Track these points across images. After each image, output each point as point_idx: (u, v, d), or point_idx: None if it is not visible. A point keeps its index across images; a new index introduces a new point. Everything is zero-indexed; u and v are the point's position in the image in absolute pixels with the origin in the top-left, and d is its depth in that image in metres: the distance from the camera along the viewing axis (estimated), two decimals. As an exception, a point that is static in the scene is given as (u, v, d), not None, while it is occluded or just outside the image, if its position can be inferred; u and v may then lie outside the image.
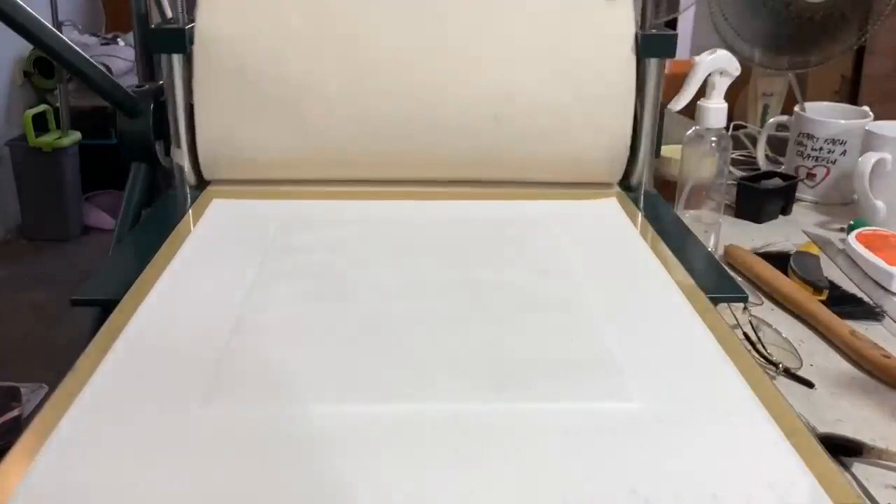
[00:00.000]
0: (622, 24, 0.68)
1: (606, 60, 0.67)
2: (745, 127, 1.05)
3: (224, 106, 0.66)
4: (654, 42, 0.67)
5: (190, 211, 0.64)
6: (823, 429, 0.46)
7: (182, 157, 0.68)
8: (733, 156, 0.95)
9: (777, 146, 0.97)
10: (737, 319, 0.56)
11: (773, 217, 0.81)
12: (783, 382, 0.51)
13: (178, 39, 0.65)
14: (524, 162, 0.69)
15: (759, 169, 0.91)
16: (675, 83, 0.71)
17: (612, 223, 0.63)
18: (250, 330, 0.46)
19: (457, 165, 0.69)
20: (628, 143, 0.68)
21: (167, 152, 0.70)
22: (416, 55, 0.66)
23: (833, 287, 0.64)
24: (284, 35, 0.66)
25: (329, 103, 0.66)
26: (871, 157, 0.75)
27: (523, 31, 0.67)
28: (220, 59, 0.65)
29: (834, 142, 0.83)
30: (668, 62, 0.71)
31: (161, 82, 0.68)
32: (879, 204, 0.76)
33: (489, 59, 0.66)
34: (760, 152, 0.93)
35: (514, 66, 0.66)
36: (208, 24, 0.66)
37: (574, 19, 0.69)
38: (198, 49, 0.65)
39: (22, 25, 0.58)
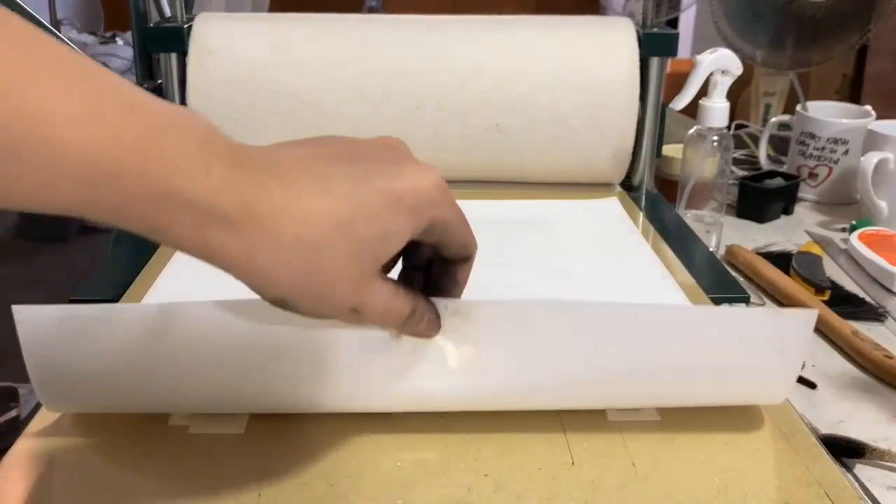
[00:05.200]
0: (623, 26, 0.68)
1: (608, 63, 0.66)
2: (747, 126, 1.05)
3: (217, 115, 0.65)
4: (655, 41, 0.67)
5: (189, 210, 0.63)
6: (825, 430, 0.46)
7: (181, 157, 0.68)
8: (735, 155, 0.95)
9: (779, 146, 0.96)
10: (738, 320, 0.56)
11: (774, 217, 0.81)
12: (785, 383, 0.50)
13: (177, 39, 0.65)
14: (526, 168, 0.69)
15: (760, 168, 0.91)
16: (676, 82, 0.71)
17: (613, 223, 0.63)
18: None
19: (457, 174, 0.69)
20: (631, 144, 0.68)
21: (166, 151, 0.69)
22: (415, 65, 0.66)
23: (835, 287, 0.63)
24: (280, 45, 0.66)
25: (324, 113, 0.65)
26: (873, 157, 0.74)
27: (523, 38, 0.67)
28: (214, 69, 0.65)
29: (836, 141, 0.83)
30: (669, 61, 0.71)
31: (160, 81, 0.68)
32: (882, 204, 0.75)
33: (490, 68, 0.66)
34: (762, 152, 0.93)
35: (515, 74, 0.66)
36: (204, 33, 0.65)
37: (574, 23, 0.69)
38: (192, 57, 0.65)
39: (20, 24, 0.58)
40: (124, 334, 0.35)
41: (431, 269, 0.35)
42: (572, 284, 0.52)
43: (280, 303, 0.28)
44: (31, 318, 0.35)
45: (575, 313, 0.36)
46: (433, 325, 0.34)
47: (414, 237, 0.30)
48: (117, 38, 2.55)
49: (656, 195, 0.71)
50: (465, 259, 0.34)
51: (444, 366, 0.36)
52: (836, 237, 0.76)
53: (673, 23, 0.86)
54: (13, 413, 0.54)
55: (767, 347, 0.36)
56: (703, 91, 0.69)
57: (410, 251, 0.34)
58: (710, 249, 0.67)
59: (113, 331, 0.35)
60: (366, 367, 0.36)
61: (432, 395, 0.37)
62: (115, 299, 0.49)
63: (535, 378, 0.36)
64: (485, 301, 0.35)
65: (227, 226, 0.26)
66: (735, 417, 0.39)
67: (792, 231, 0.78)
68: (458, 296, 0.35)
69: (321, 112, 0.65)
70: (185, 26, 0.66)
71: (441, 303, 0.35)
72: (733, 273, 0.63)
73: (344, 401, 0.37)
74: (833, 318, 0.57)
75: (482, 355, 0.36)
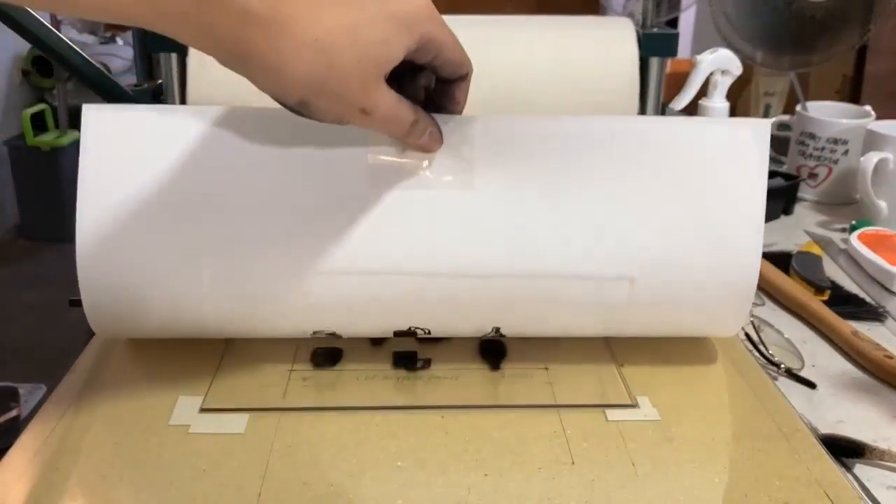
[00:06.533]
0: (623, 26, 0.68)
1: (608, 63, 0.66)
2: (746, 126, 1.05)
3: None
4: (655, 41, 0.67)
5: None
6: (825, 429, 0.46)
7: (181, 157, 0.68)
8: (734, 155, 0.95)
9: (779, 146, 0.96)
10: (738, 320, 0.56)
11: (774, 217, 0.81)
12: (785, 383, 0.50)
13: (178, 38, 0.65)
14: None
15: (760, 168, 0.91)
16: (676, 82, 0.71)
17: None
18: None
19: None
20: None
21: (166, 151, 0.69)
22: None
23: (835, 287, 0.63)
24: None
25: None
26: (873, 157, 0.74)
27: (523, 38, 0.67)
28: (215, 69, 0.65)
29: (836, 141, 0.83)
30: (669, 61, 0.71)
31: (160, 81, 0.68)
32: (882, 204, 0.75)
33: (489, 68, 0.65)
34: (761, 152, 0.93)
35: (515, 75, 0.66)
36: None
37: (574, 23, 0.69)
38: (192, 57, 0.65)
39: (20, 24, 0.58)
40: (184, 135, 0.40)
41: (431, 97, 0.39)
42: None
43: (302, 105, 0.33)
44: (96, 117, 0.40)
45: (562, 124, 0.41)
46: (436, 138, 0.39)
47: (410, 51, 0.34)
48: (117, 38, 2.56)
49: (656, 195, 0.71)
50: (462, 78, 0.38)
51: (445, 178, 0.40)
52: (836, 237, 0.76)
53: (673, 23, 0.86)
54: (13, 413, 0.54)
55: (727, 162, 0.40)
56: (703, 91, 0.69)
57: (408, 83, 0.38)
58: (710, 249, 0.67)
59: (174, 129, 0.40)
60: (376, 181, 0.40)
61: (437, 208, 0.40)
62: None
63: (524, 193, 0.40)
64: (482, 116, 0.40)
65: (259, 26, 0.31)
66: (736, 417, 0.39)
67: (792, 231, 0.78)
68: (459, 114, 0.40)
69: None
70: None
71: (442, 119, 0.39)
72: (733, 273, 0.63)
73: (353, 211, 0.40)
74: (833, 318, 0.57)
75: (480, 166, 0.40)
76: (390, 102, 0.35)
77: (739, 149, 0.40)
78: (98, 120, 0.40)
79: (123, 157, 0.40)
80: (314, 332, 0.42)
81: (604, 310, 0.41)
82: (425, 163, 0.40)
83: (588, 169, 0.40)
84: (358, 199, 0.40)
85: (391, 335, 0.43)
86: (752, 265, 0.41)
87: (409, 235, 0.40)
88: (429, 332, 0.43)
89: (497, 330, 0.42)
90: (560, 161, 0.41)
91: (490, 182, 0.40)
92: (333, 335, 0.43)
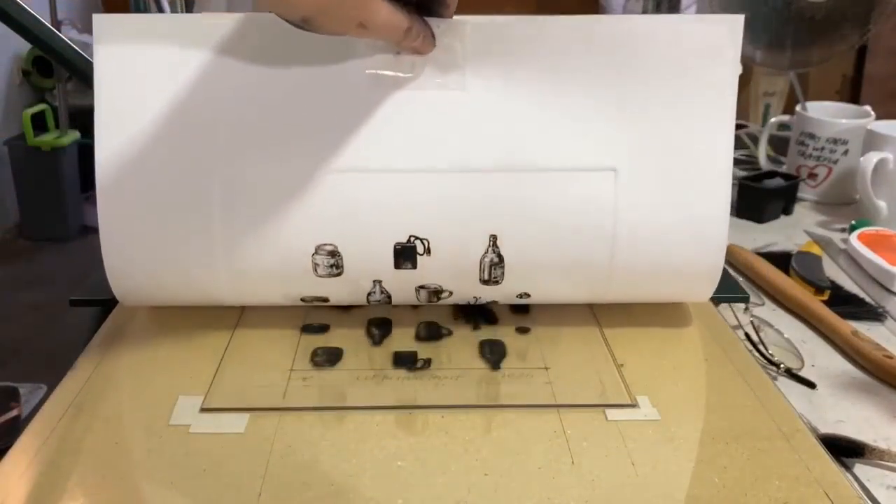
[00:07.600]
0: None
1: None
2: (747, 126, 1.05)
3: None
4: (655, 41, 0.67)
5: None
6: (825, 429, 0.46)
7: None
8: (735, 155, 0.95)
9: (778, 146, 0.96)
10: (738, 320, 0.56)
11: (774, 217, 0.81)
12: (784, 383, 0.50)
13: (178, 38, 0.65)
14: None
15: (760, 169, 0.91)
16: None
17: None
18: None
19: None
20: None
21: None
22: None
23: (835, 287, 0.64)
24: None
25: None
26: (872, 157, 0.75)
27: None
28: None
29: (836, 141, 0.83)
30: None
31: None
32: (881, 204, 0.76)
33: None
34: (762, 152, 0.93)
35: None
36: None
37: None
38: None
39: (20, 24, 0.58)
40: (200, 41, 0.43)
41: (422, 1, 0.41)
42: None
43: (304, 22, 0.35)
44: (108, 26, 0.42)
45: (547, 23, 0.43)
46: (429, 41, 0.42)
47: None
48: (117, 39, 2.55)
49: (656, 195, 0.71)
50: None
51: (438, 79, 0.42)
52: (836, 237, 0.76)
53: (673, 23, 0.85)
54: (13, 413, 0.54)
55: (699, 55, 0.44)
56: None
57: None
58: (710, 249, 0.67)
59: (187, 39, 0.42)
60: (372, 85, 0.43)
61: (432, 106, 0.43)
62: (116, 299, 0.49)
63: (513, 90, 0.43)
64: (472, 18, 0.42)
65: None
66: (736, 417, 0.39)
67: (791, 231, 0.78)
68: (450, 17, 0.42)
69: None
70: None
71: (434, 22, 0.41)
72: (733, 273, 0.63)
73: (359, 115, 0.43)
74: (833, 318, 0.57)
75: (471, 66, 0.43)
76: (386, 13, 0.37)
77: (714, 42, 0.44)
78: (106, 30, 0.42)
79: (135, 68, 0.42)
80: (317, 249, 0.43)
81: (593, 209, 0.43)
82: (419, 65, 0.43)
83: (573, 66, 0.43)
84: (356, 102, 0.43)
85: (391, 253, 0.43)
86: (725, 155, 0.47)
87: (405, 134, 0.42)
88: (428, 247, 0.43)
89: (494, 241, 0.43)
90: (546, 59, 0.43)
91: (481, 80, 0.43)
92: (335, 259, 0.43)
